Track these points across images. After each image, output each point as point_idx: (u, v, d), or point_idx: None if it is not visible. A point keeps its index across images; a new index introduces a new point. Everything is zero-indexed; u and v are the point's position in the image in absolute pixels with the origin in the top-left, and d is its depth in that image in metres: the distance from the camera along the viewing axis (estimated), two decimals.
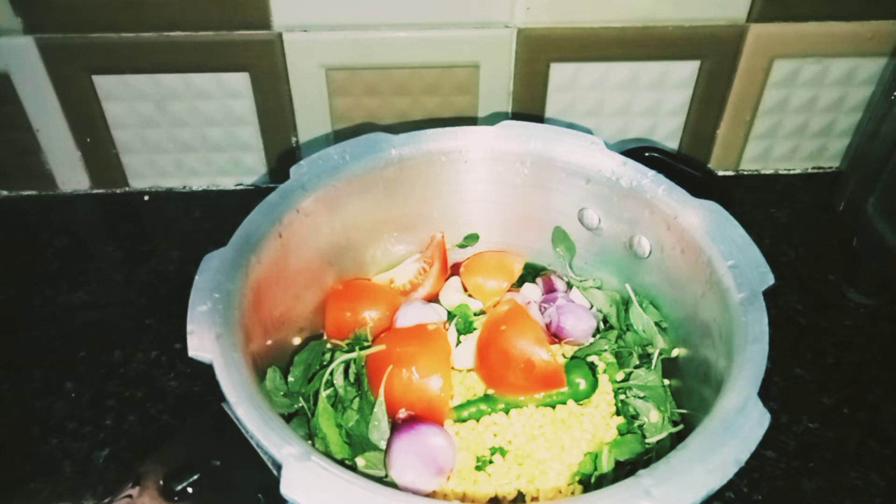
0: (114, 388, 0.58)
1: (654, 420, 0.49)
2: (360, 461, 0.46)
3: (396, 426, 0.47)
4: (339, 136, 0.73)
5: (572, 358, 0.53)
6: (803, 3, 0.67)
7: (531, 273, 0.60)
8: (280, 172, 0.75)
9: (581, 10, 0.66)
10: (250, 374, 0.41)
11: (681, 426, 0.49)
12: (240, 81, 0.69)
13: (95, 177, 0.75)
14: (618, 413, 0.51)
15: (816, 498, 0.52)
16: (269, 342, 0.48)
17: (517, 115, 0.72)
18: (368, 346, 0.51)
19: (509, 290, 0.58)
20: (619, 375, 0.52)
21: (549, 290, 0.58)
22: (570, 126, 0.60)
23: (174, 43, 0.66)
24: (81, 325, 0.63)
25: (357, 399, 0.49)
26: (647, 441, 0.48)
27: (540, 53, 0.68)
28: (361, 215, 0.55)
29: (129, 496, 0.40)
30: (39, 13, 0.64)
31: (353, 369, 0.50)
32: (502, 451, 0.48)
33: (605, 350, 0.53)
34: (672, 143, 0.77)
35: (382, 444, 0.47)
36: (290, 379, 0.50)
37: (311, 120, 0.72)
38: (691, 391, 0.49)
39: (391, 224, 0.57)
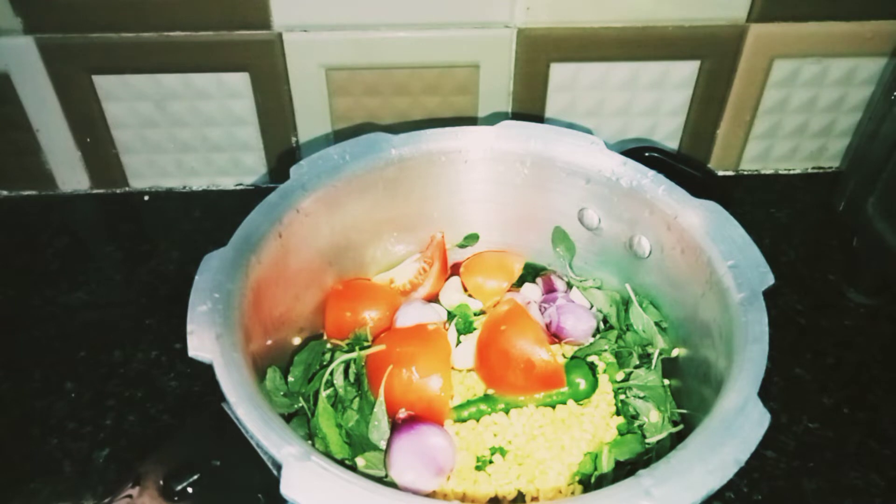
0: (114, 388, 0.58)
1: (654, 420, 0.49)
2: (360, 461, 0.46)
3: (396, 426, 0.47)
4: (339, 136, 0.73)
5: (572, 358, 0.53)
6: (803, 3, 0.67)
7: (531, 273, 0.60)
8: (280, 172, 0.75)
9: (581, 10, 0.66)
10: (250, 374, 0.41)
11: (681, 426, 0.49)
12: (240, 81, 0.69)
13: (95, 177, 0.75)
14: (618, 413, 0.51)
15: (816, 498, 0.52)
16: (269, 342, 0.48)
17: (517, 115, 0.72)
18: (368, 346, 0.51)
19: (509, 290, 0.58)
20: (619, 375, 0.52)
21: (549, 290, 0.58)
22: (570, 126, 0.60)
23: (174, 43, 0.66)
24: (81, 325, 0.63)
25: (357, 399, 0.49)
26: (647, 441, 0.48)
27: (540, 53, 0.68)
28: (361, 215, 0.55)
29: (129, 496, 0.40)
30: (39, 13, 0.64)
31: (353, 369, 0.50)
32: (502, 451, 0.48)
33: (605, 350, 0.53)
34: (672, 143, 0.77)
35: (382, 444, 0.47)
36: (290, 379, 0.50)
37: (311, 120, 0.72)
38: (691, 391, 0.49)
39: (391, 224, 0.57)
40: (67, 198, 0.75)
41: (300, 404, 0.48)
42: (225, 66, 0.68)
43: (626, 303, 0.55)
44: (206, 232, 0.72)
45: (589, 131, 0.65)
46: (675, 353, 0.52)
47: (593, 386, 0.51)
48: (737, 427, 0.37)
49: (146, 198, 0.76)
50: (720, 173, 0.79)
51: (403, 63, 0.68)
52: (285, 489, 0.34)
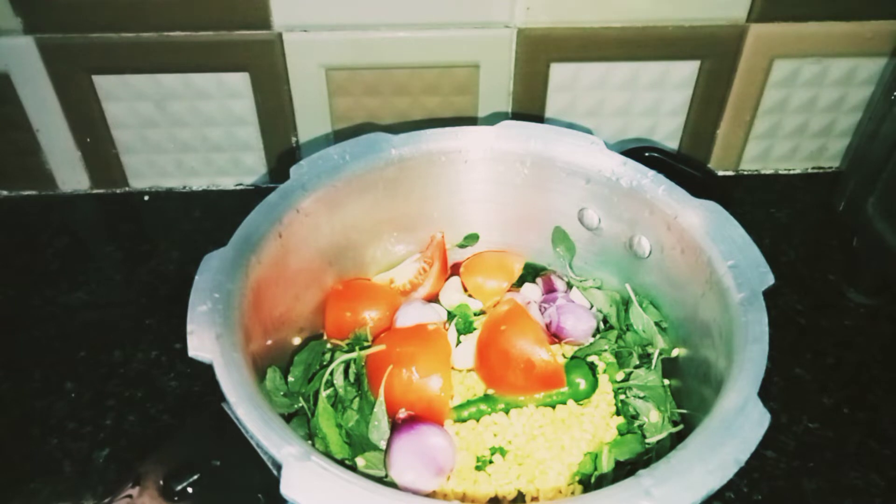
0: (114, 388, 0.58)
1: (654, 420, 0.49)
2: (360, 461, 0.46)
3: (396, 426, 0.47)
4: (339, 136, 0.73)
5: (572, 358, 0.53)
6: (803, 3, 0.67)
7: (531, 273, 0.60)
8: (280, 172, 0.75)
9: (581, 10, 0.66)
10: (250, 374, 0.41)
11: (681, 426, 0.49)
12: (240, 81, 0.69)
13: (95, 177, 0.75)
14: (618, 413, 0.51)
15: (816, 498, 0.52)
16: (269, 342, 0.48)
17: (517, 115, 0.72)
18: (368, 346, 0.51)
19: (509, 290, 0.58)
20: (619, 375, 0.52)
21: (549, 290, 0.58)
22: (570, 126, 0.60)
23: (174, 43, 0.66)
24: (81, 325, 0.63)
25: (357, 399, 0.49)
26: (647, 441, 0.48)
27: (540, 53, 0.68)
28: (361, 215, 0.55)
29: (129, 496, 0.40)
30: (39, 13, 0.64)
31: (353, 369, 0.50)
32: (502, 451, 0.48)
33: (605, 350, 0.53)
34: (672, 143, 0.77)
35: (382, 444, 0.47)
36: (290, 379, 0.50)
37: (311, 120, 0.72)
38: (691, 391, 0.49)
39: (391, 224, 0.57)
40: (67, 198, 0.75)
41: (300, 404, 0.48)
42: (225, 66, 0.68)
43: (626, 303, 0.55)
44: (206, 232, 0.72)
45: (589, 131, 0.65)
46: (675, 353, 0.52)
47: (593, 386, 0.51)
48: (737, 427, 0.37)
49: (146, 198, 0.76)
50: (720, 173, 0.79)
51: (403, 63, 0.68)
52: (285, 489, 0.34)
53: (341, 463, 0.45)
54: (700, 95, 0.73)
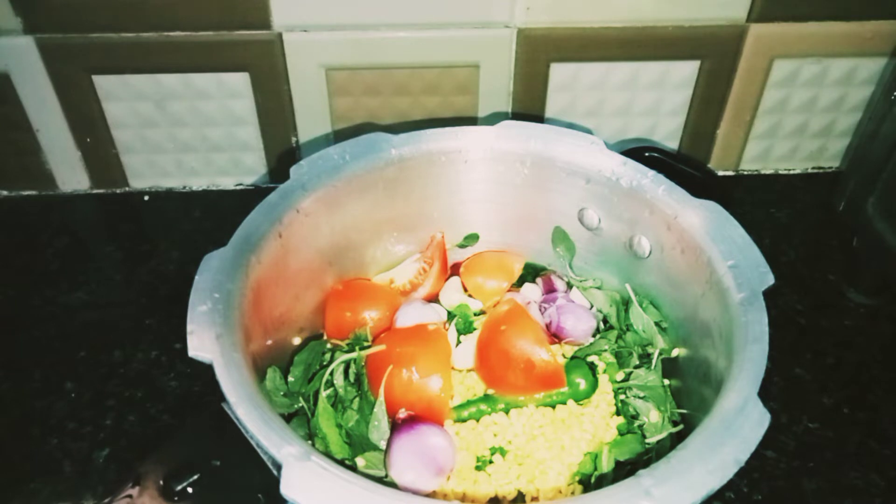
0: (114, 388, 0.58)
1: (654, 420, 0.49)
2: (360, 461, 0.46)
3: (396, 426, 0.47)
4: (339, 136, 0.73)
5: (572, 358, 0.53)
6: (803, 3, 0.67)
7: (531, 273, 0.60)
8: (280, 172, 0.75)
9: (581, 10, 0.66)
10: (250, 374, 0.41)
11: (681, 426, 0.49)
12: (240, 81, 0.69)
13: (95, 177, 0.75)
14: (618, 413, 0.51)
15: (816, 498, 0.52)
16: (269, 342, 0.48)
17: (517, 115, 0.72)
18: (368, 346, 0.51)
19: (509, 290, 0.58)
20: (619, 375, 0.52)
21: (549, 290, 0.58)
22: (570, 126, 0.60)
23: (174, 43, 0.66)
24: (81, 325, 0.63)
25: (357, 399, 0.49)
26: (647, 441, 0.48)
27: (540, 53, 0.68)
28: (361, 215, 0.55)
29: (129, 496, 0.40)
30: (39, 13, 0.64)
31: (353, 369, 0.50)
32: (502, 451, 0.48)
33: (605, 350, 0.53)
34: (672, 143, 0.77)
35: (382, 444, 0.47)
36: (290, 379, 0.50)
37: (311, 120, 0.72)
38: (691, 391, 0.49)
39: (391, 224, 0.57)
40: (67, 198, 0.75)
41: (300, 404, 0.48)
42: (225, 66, 0.68)
43: (626, 303, 0.55)
44: (206, 232, 0.72)
45: (589, 131, 0.65)
46: (675, 353, 0.52)
47: (593, 386, 0.51)
48: (737, 427, 0.37)
49: (146, 198, 0.76)
50: (720, 173, 0.79)
51: (403, 63, 0.68)
52: (285, 489, 0.34)
53: (341, 463, 0.45)
54: (700, 95, 0.73)
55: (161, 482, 0.40)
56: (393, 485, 0.45)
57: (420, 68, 0.69)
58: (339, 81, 0.69)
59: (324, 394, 0.49)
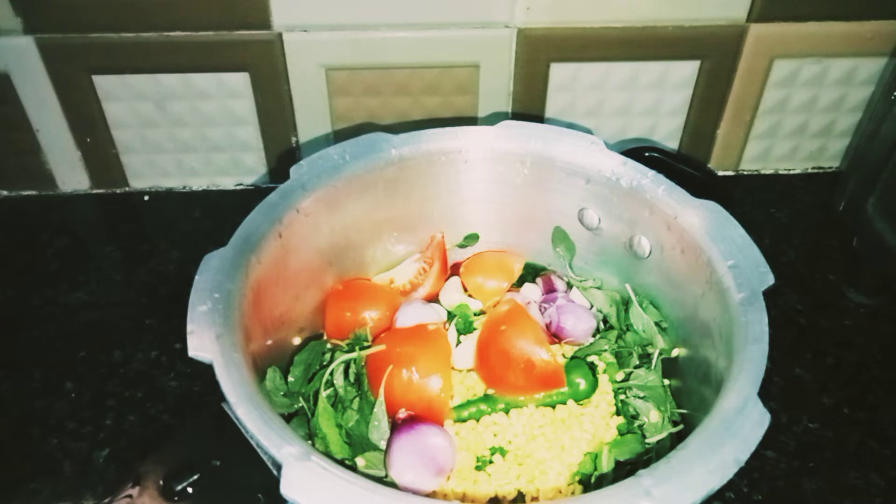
0: (114, 388, 0.58)
1: (654, 420, 0.49)
2: (360, 461, 0.46)
3: (396, 426, 0.47)
4: (339, 136, 0.73)
5: (572, 358, 0.53)
6: (803, 3, 0.67)
7: (531, 273, 0.60)
8: (280, 172, 0.75)
9: (581, 10, 0.66)
10: (250, 374, 0.41)
11: (681, 426, 0.49)
12: (240, 81, 0.69)
13: (95, 177, 0.75)
14: (618, 413, 0.51)
15: (816, 498, 0.52)
16: (269, 342, 0.48)
17: (517, 115, 0.72)
18: (368, 346, 0.51)
19: (509, 290, 0.58)
20: (619, 375, 0.52)
21: (549, 290, 0.58)
22: (570, 126, 0.60)
23: (174, 43, 0.66)
24: (81, 325, 0.63)
25: (357, 399, 0.49)
26: (647, 441, 0.48)
27: (540, 53, 0.68)
28: (361, 215, 0.55)
29: (129, 496, 0.40)
30: (39, 13, 0.64)
31: (353, 369, 0.50)
32: (502, 451, 0.48)
33: (605, 350, 0.53)
34: (672, 143, 0.77)
35: (382, 444, 0.47)
36: (290, 379, 0.50)
37: (311, 120, 0.72)
38: (691, 391, 0.49)
39: (391, 224, 0.57)
40: (67, 198, 0.75)
41: (300, 404, 0.48)
42: (225, 66, 0.68)
43: (626, 303, 0.55)
44: (206, 232, 0.72)
45: (589, 131, 0.65)
46: (675, 353, 0.52)
47: (593, 386, 0.51)
48: (737, 427, 0.37)
49: (146, 198, 0.76)
50: (720, 173, 0.79)
51: (403, 63, 0.68)
52: (285, 489, 0.34)
53: (341, 463, 0.45)
54: (700, 95, 0.73)
55: (161, 482, 0.40)
56: (393, 485, 0.45)
57: (420, 68, 0.69)
58: (339, 81, 0.69)
59: (324, 394, 0.49)
